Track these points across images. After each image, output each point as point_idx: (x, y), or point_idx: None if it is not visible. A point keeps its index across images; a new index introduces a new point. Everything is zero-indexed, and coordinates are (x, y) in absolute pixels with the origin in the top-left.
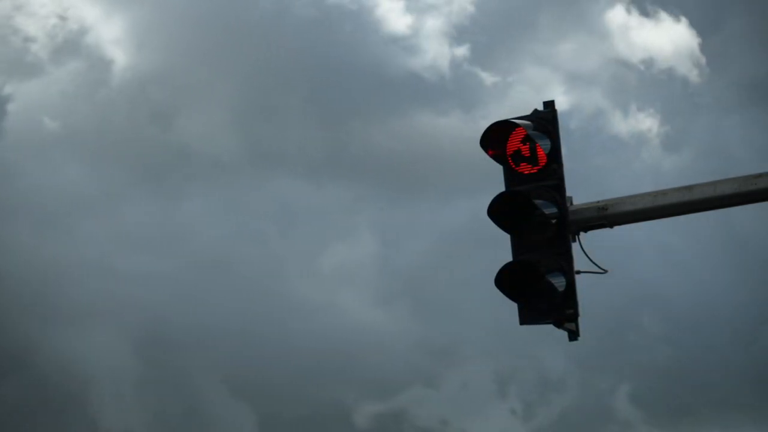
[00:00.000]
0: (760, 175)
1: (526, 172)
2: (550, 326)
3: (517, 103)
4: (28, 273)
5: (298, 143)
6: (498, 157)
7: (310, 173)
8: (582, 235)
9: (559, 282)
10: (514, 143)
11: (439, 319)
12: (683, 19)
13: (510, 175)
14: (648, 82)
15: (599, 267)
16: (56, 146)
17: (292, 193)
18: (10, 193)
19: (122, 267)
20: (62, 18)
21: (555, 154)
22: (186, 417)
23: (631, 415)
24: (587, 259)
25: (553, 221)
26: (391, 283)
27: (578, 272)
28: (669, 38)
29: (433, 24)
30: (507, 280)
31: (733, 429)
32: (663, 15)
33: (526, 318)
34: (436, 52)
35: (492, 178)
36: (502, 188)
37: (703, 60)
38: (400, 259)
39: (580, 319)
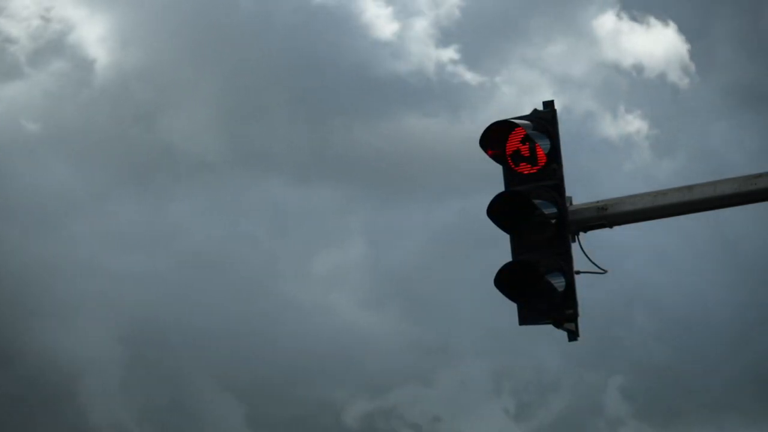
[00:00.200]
0: (759, 175)
1: (526, 172)
2: (547, 325)
3: (504, 105)
4: (16, 271)
5: (284, 143)
6: (497, 156)
7: (298, 173)
8: (581, 235)
9: (558, 282)
10: (513, 143)
11: (430, 318)
12: (672, 25)
13: (509, 175)
14: (637, 86)
15: (599, 267)
16: (41, 147)
17: (281, 193)
18: None
19: (110, 266)
20: (45, 19)
21: (554, 154)
22: (173, 412)
23: (623, 413)
24: (587, 259)
25: (553, 221)
26: (382, 284)
27: (578, 272)
28: (658, 43)
29: (421, 26)
30: (506, 280)
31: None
32: (652, 20)
33: (525, 318)
34: (424, 53)
35: (481, 178)
36: (491, 188)
37: (692, 65)
38: (391, 259)
39: (579, 320)
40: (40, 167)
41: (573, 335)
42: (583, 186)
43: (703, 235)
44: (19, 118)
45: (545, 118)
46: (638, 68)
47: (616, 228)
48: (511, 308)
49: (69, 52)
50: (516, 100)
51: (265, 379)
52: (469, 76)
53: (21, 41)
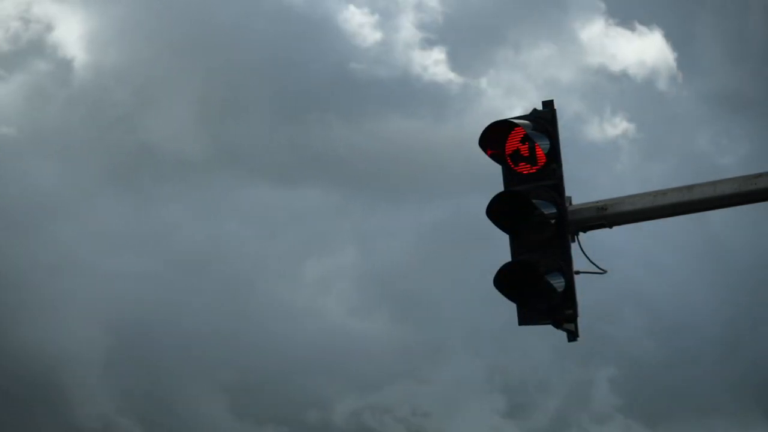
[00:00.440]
0: (759, 175)
1: (525, 172)
2: (539, 324)
3: (490, 108)
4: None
5: (267, 143)
6: (497, 156)
7: (283, 174)
8: (581, 235)
9: (558, 282)
10: (513, 143)
11: (421, 318)
12: (658, 31)
13: (509, 175)
14: (623, 91)
15: (598, 267)
16: (20, 149)
17: (267, 194)
18: None
19: (94, 265)
20: (24, 20)
21: (554, 153)
22: (156, 403)
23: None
24: (586, 259)
25: (552, 221)
26: (371, 286)
27: (577, 272)
28: (644, 49)
29: (406, 27)
30: (506, 280)
31: None
32: (639, 27)
33: (524, 318)
34: (409, 55)
35: (470, 179)
36: (480, 188)
37: (677, 71)
38: (380, 260)
39: (585, 320)
40: (20, 168)
41: (572, 335)
42: (568, 190)
43: (693, 239)
44: (3, 121)
45: (545, 118)
46: (624, 73)
47: (607, 231)
48: (501, 307)
49: (48, 53)
50: (501, 103)
51: (253, 376)
52: (453, 77)
53: None
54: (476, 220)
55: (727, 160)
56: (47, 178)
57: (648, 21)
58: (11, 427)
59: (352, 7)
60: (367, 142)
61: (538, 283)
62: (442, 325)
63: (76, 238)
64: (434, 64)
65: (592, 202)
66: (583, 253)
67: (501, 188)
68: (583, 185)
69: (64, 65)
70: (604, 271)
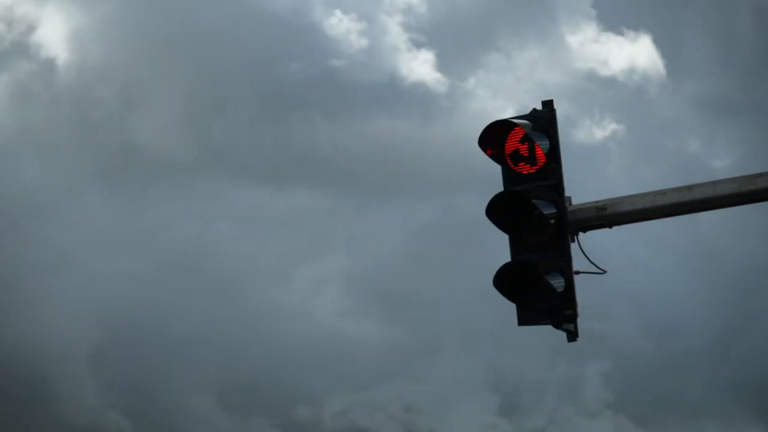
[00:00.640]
0: (759, 175)
1: (525, 172)
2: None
3: (477, 110)
4: None
5: (253, 144)
6: (496, 156)
7: (269, 173)
8: (581, 235)
9: (557, 282)
10: (512, 143)
11: (413, 318)
12: (646, 36)
13: (508, 175)
14: (611, 95)
15: (598, 267)
16: (5, 150)
17: (254, 195)
18: None
19: (81, 264)
20: (7, 22)
21: (553, 153)
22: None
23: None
24: (586, 259)
25: (552, 221)
26: (362, 286)
27: (577, 273)
28: (632, 54)
29: (394, 29)
30: (505, 281)
31: None
32: (627, 31)
33: (524, 319)
34: (397, 57)
35: (460, 180)
36: (470, 188)
37: (666, 76)
38: (370, 261)
39: (578, 320)
40: (5, 168)
41: (572, 336)
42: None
43: (685, 242)
44: None
45: (544, 118)
46: (612, 77)
47: (600, 232)
48: (493, 306)
49: (32, 53)
50: (489, 104)
51: (243, 375)
52: (440, 77)
53: None
54: (466, 220)
55: (716, 164)
56: (33, 177)
57: (636, 26)
58: (0, 422)
59: (338, 12)
60: (354, 142)
61: (538, 284)
62: (434, 324)
63: (63, 238)
64: (421, 65)
65: (592, 202)
66: (583, 253)
67: (491, 187)
68: (579, 186)
69: (48, 65)
70: (604, 272)
